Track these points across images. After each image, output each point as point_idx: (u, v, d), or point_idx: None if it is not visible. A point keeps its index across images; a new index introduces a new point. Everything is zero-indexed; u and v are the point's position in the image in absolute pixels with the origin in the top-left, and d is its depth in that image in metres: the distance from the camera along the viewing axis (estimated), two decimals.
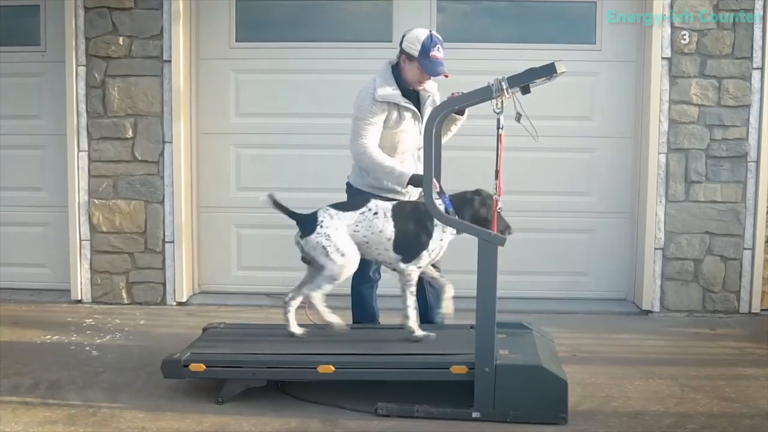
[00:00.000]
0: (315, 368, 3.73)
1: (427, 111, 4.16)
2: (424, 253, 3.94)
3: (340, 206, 4.02)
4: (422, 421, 3.60)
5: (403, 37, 4.13)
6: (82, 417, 3.67)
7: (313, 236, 3.92)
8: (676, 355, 4.72)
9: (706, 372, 4.35)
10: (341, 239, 3.91)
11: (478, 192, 3.97)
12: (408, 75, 4.11)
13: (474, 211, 3.92)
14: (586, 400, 3.88)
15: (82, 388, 4.06)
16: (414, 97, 4.18)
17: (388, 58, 4.25)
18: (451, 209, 3.90)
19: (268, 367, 3.82)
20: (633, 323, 5.49)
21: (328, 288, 3.95)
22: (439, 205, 3.85)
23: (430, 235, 3.92)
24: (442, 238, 3.96)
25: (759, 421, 3.66)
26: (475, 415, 3.57)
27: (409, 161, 4.21)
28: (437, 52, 4.04)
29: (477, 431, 3.52)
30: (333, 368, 3.72)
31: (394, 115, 4.11)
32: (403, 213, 3.97)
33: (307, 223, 3.95)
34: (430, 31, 4.12)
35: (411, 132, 4.16)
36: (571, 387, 3.63)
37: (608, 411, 3.77)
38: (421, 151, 4.01)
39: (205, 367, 3.80)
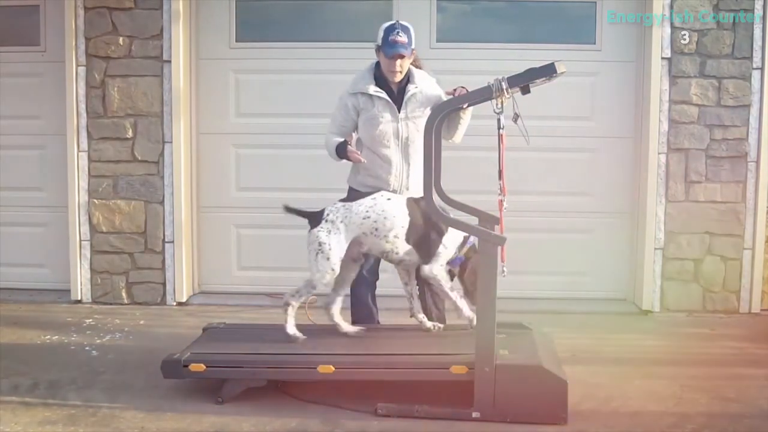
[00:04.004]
0: (315, 368, 3.73)
1: (411, 103, 4.19)
2: (441, 248, 3.95)
3: (349, 199, 4.06)
4: (422, 421, 3.60)
5: None
6: (82, 417, 3.67)
7: (315, 229, 3.92)
8: (676, 355, 4.71)
9: (706, 372, 4.34)
10: (335, 243, 3.89)
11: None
12: (382, 66, 4.20)
13: None
14: (586, 400, 3.87)
15: (82, 388, 4.06)
16: (399, 91, 4.20)
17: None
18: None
19: (268, 367, 3.82)
20: (633, 323, 5.49)
21: (304, 298, 3.98)
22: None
23: (441, 233, 3.94)
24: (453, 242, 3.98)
25: (759, 421, 3.66)
26: (475, 415, 3.57)
27: (394, 151, 4.20)
28: (397, 37, 4.10)
29: (477, 431, 3.52)
30: (333, 368, 3.72)
31: (369, 104, 4.19)
32: (417, 207, 3.99)
33: (314, 218, 3.97)
34: (396, 20, 4.22)
35: (388, 121, 4.19)
36: (571, 387, 3.62)
37: (608, 411, 3.77)
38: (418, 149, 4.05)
39: (205, 367, 3.80)
